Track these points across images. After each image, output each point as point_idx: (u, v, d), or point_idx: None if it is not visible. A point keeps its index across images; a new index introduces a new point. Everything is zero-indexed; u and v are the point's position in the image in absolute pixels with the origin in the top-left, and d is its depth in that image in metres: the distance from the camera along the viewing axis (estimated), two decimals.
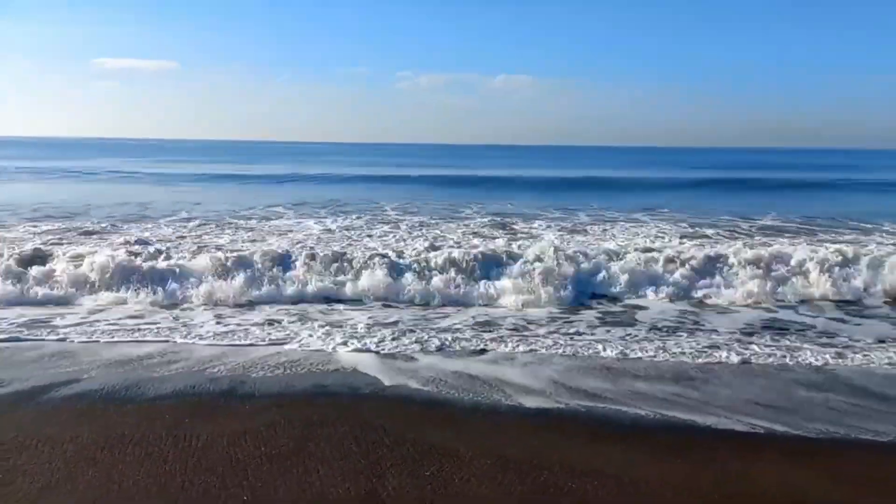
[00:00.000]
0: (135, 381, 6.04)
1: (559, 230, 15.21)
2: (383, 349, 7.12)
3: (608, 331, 8.03)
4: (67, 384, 5.95)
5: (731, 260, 10.63)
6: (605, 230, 15.33)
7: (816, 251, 10.94)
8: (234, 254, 10.36)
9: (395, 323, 8.21)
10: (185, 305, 8.89)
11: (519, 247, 11.64)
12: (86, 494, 4.10)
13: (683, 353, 7.10)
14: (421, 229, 14.91)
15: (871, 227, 16.64)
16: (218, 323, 8.09)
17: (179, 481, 4.25)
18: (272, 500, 4.06)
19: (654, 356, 7.02)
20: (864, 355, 7.09)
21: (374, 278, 9.67)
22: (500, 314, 8.79)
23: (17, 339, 7.29)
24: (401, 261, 10.33)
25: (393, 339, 7.41)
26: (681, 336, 7.82)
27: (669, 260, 10.66)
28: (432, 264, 10.18)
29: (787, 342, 7.57)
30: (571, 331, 8.00)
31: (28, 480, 4.23)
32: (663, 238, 14.02)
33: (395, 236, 13.78)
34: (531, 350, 7.18)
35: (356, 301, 9.34)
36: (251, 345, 7.24)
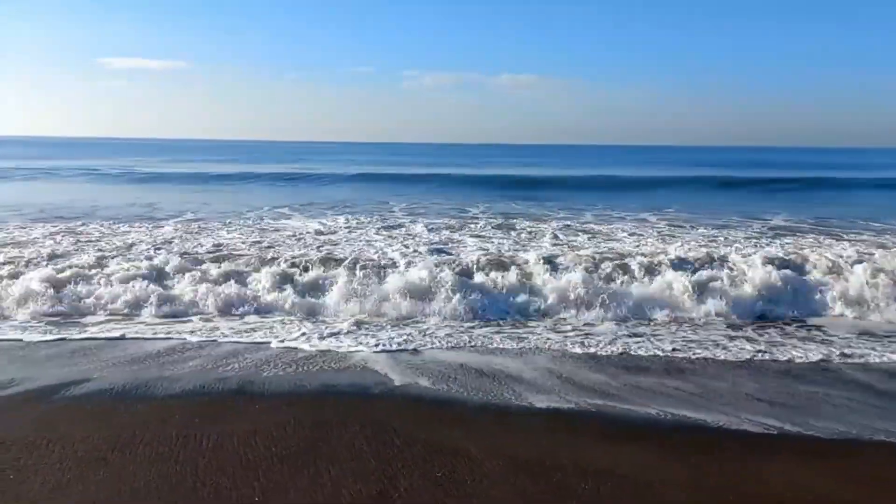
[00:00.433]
0: (144, 381, 6.05)
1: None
2: None
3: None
4: (78, 383, 5.96)
5: None
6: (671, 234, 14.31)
7: None
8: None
9: None
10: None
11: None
12: (97, 495, 4.09)
13: None
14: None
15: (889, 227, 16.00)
16: None
17: (191, 482, 4.24)
18: (283, 502, 4.04)
19: None
20: None
21: None
22: None
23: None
24: None
25: None
26: None
27: None
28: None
29: None
30: None
31: (39, 481, 4.23)
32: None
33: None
34: None
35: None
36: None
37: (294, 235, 13.57)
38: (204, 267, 9.76)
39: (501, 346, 7.32)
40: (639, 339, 7.62)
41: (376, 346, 7.23)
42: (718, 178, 33.68)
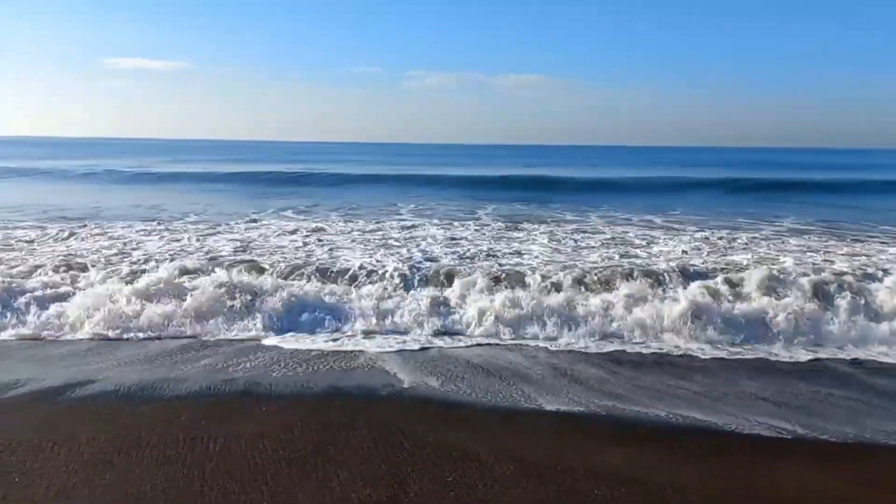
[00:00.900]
0: (150, 382, 6.01)
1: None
2: None
3: None
4: (83, 384, 5.92)
5: None
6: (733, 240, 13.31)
7: None
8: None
9: None
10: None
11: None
12: (103, 499, 4.05)
13: None
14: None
15: None
16: None
17: (198, 486, 4.19)
18: None
19: None
20: None
21: None
22: None
23: None
24: None
25: None
26: None
27: None
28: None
29: None
30: None
31: (45, 484, 4.19)
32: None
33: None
34: None
35: None
36: None
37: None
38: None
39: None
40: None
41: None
42: (717, 180, 31.86)
